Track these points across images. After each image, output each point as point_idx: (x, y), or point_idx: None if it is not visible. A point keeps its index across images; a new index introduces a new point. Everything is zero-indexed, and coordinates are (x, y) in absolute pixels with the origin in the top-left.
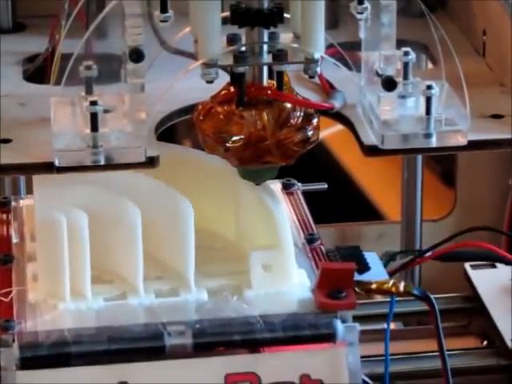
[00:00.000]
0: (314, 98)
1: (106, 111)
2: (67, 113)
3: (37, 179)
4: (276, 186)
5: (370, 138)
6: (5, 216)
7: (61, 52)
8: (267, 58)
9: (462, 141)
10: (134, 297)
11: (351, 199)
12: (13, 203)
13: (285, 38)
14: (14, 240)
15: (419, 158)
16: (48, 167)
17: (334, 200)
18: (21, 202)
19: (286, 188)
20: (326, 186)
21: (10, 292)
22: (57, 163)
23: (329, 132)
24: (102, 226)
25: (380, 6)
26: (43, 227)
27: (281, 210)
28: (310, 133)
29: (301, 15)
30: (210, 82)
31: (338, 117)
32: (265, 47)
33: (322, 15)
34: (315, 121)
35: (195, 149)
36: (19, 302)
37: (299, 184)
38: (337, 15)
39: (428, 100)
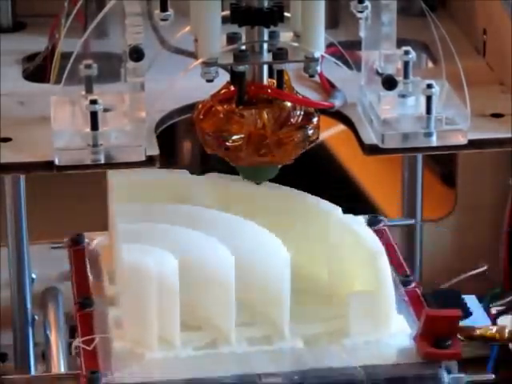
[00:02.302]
0: (314, 96)
1: (105, 110)
2: (67, 112)
3: (117, 214)
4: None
5: (371, 137)
6: (79, 255)
7: (61, 51)
8: (267, 56)
9: (462, 140)
10: (225, 345)
11: (351, 199)
12: (85, 240)
13: (285, 36)
14: (91, 281)
15: (419, 157)
16: (48, 166)
17: (334, 200)
18: (94, 238)
19: (372, 224)
20: (413, 222)
21: (93, 340)
22: (57, 162)
23: (329, 132)
24: (191, 269)
25: (380, 4)
26: (131, 273)
27: (383, 252)
28: (310, 132)
29: (301, 14)
30: (210, 80)
31: (339, 116)
32: (265, 46)
33: (322, 14)
34: (315, 120)
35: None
36: (103, 351)
37: (386, 220)
38: (337, 14)
39: (428, 99)
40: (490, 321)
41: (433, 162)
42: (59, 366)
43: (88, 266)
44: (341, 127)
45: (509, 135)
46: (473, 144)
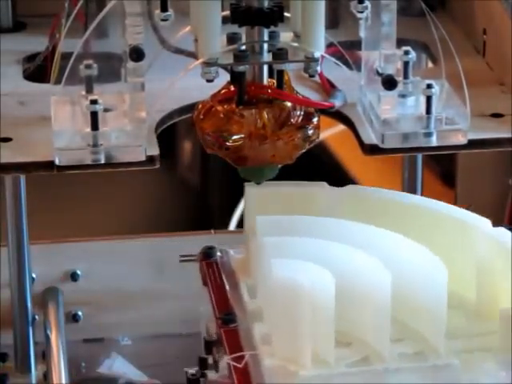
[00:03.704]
0: (314, 97)
1: (106, 110)
2: (67, 112)
3: (259, 226)
4: None
5: (371, 137)
6: (214, 268)
7: (61, 51)
8: (267, 56)
9: (462, 140)
10: (378, 362)
11: None
12: (218, 253)
13: (285, 36)
14: (229, 295)
15: (419, 157)
16: (48, 166)
17: None
18: (226, 251)
19: None
20: None
21: (243, 357)
22: (57, 162)
23: (329, 132)
24: (341, 285)
25: (380, 4)
26: (283, 290)
27: None
28: (310, 132)
29: (301, 14)
30: (210, 80)
31: (339, 116)
32: (265, 46)
33: (322, 14)
34: (315, 120)
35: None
36: (254, 368)
37: None
38: (337, 14)
39: (428, 99)
40: None
41: (433, 162)
42: (59, 366)
43: (225, 280)
44: (341, 127)
45: (509, 135)
46: (473, 144)
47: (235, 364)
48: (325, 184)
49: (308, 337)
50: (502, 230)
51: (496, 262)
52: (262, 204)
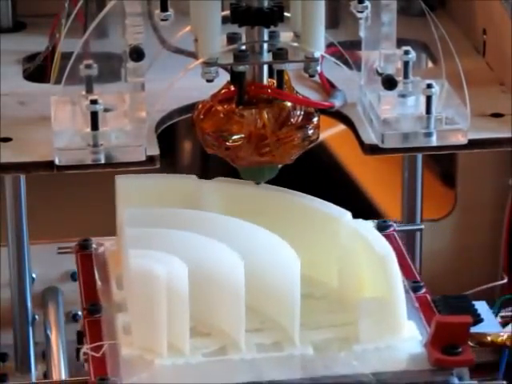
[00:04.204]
0: (314, 96)
1: (106, 110)
2: (67, 112)
3: (125, 218)
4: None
5: (371, 137)
6: (87, 260)
7: (61, 51)
8: (267, 56)
9: (462, 140)
10: (234, 352)
11: (351, 199)
12: (93, 245)
13: (285, 36)
14: (98, 286)
15: (419, 157)
16: (48, 166)
17: (334, 200)
18: (101, 243)
19: (382, 229)
20: (422, 226)
21: (102, 346)
22: (57, 162)
23: (329, 132)
24: (201, 275)
25: (380, 4)
26: (139, 279)
27: (393, 257)
28: (310, 132)
29: (301, 14)
30: (210, 80)
31: (339, 116)
32: (265, 46)
33: (322, 14)
34: (315, 120)
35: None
36: (112, 357)
37: (395, 225)
38: (337, 14)
39: (428, 99)
40: (501, 327)
41: (433, 162)
42: (59, 365)
43: (96, 272)
44: (341, 127)
45: (509, 135)
46: (473, 144)
47: (93, 353)
48: (194, 177)
49: (164, 326)
50: (363, 222)
51: (357, 253)
52: (132, 196)
